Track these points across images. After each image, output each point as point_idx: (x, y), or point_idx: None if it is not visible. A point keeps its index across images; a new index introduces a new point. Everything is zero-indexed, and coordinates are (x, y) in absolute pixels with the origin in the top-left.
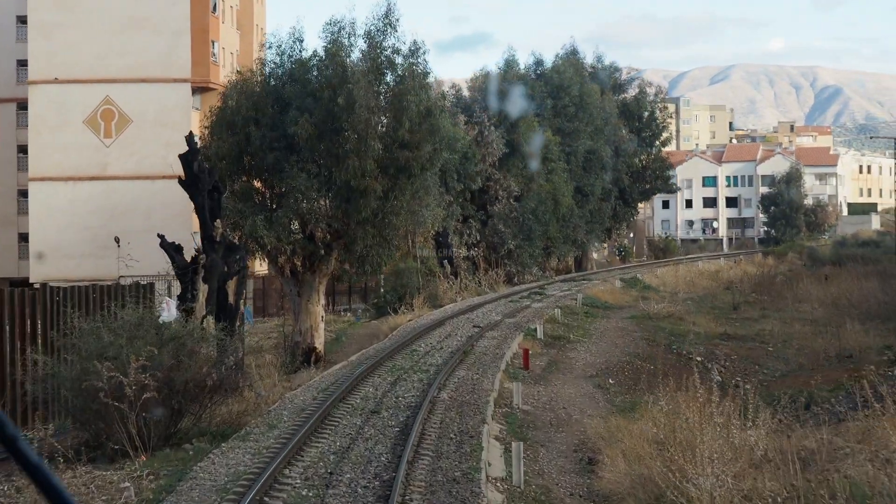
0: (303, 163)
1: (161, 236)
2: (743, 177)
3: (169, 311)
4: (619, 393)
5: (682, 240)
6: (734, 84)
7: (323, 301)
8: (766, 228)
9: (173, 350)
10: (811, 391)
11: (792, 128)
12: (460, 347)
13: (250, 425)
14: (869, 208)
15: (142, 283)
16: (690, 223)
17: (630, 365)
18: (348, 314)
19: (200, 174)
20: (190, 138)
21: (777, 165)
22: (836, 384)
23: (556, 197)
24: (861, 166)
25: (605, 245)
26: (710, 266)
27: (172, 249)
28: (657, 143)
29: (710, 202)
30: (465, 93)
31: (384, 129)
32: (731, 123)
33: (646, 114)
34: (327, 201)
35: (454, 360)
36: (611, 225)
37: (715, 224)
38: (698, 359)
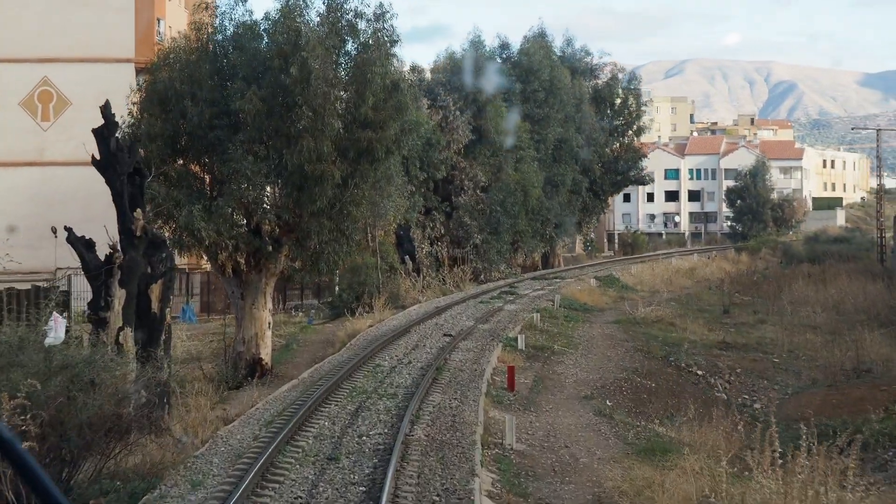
0: (248, 144)
1: (69, 229)
2: (706, 170)
3: (56, 332)
4: (629, 425)
5: (645, 234)
6: (688, 78)
7: (270, 305)
8: (731, 223)
9: (65, 383)
10: (858, 423)
11: (752, 121)
12: (431, 363)
13: (168, 482)
14: (834, 203)
15: (47, 285)
16: (652, 217)
17: (628, 382)
18: (300, 314)
19: (118, 153)
20: (106, 110)
21: (741, 159)
22: (887, 412)
23: (525, 188)
24: (825, 160)
25: (576, 239)
26: (683, 263)
27: (82, 246)
28: (630, 131)
29: (672, 196)
30: (428, 76)
31: (344, 105)
32: (692, 116)
33: (618, 101)
34: (276, 189)
35: (426, 379)
36: (580, 218)
37: (677, 218)
38: (699, 372)
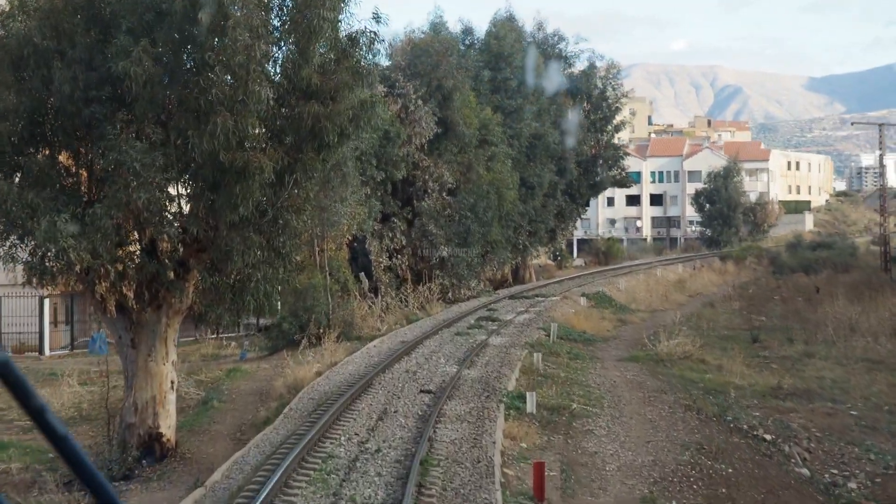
0: (138, 124)
1: None
2: (668, 172)
3: None
4: None
5: (619, 241)
6: (635, 83)
7: (174, 356)
8: (700, 228)
9: None
10: None
11: (709, 123)
12: (410, 450)
13: None
14: (802, 206)
15: None
16: (612, 222)
17: (696, 469)
18: (233, 344)
19: None
20: None
21: (705, 161)
22: None
23: (499, 190)
24: (789, 162)
25: (548, 250)
26: (667, 274)
27: None
28: (609, 127)
29: (634, 200)
30: (384, 61)
31: (279, 67)
32: (649, 117)
33: (596, 92)
34: (181, 189)
35: (408, 492)
36: (555, 225)
37: (638, 223)
38: (767, 437)
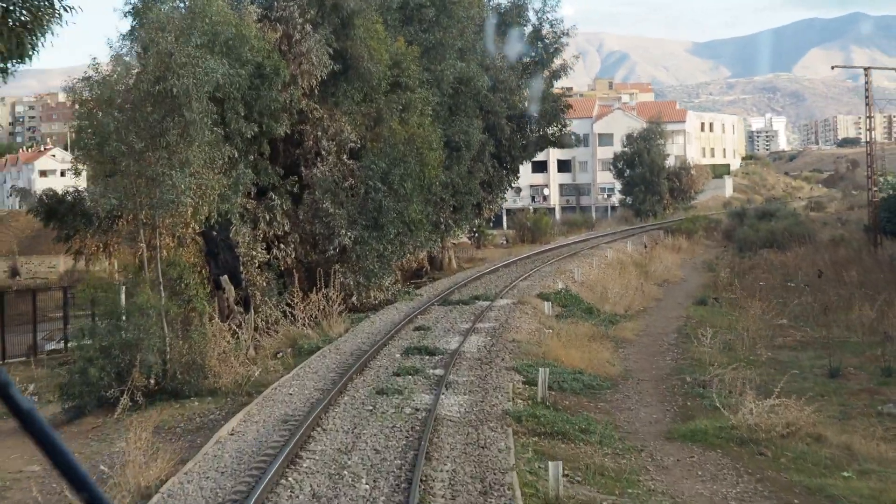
0: None
1: None
2: (577, 136)
3: None
4: None
5: (508, 210)
6: None
7: None
8: (620, 196)
9: None
10: None
11: (611, 85)
12: None
13: None
14: (721, 170)
15: None
16: (518, 191)
17: None
18: (31, 387)
19: None
20: None
21: (616, 123)
22: None
23: (419, 150)
24: (703, 123)
25: (471, 227)
26: (619, 255)
27: None
28: (546, 72)
29: (540, 166)
30: None
31: None
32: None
33: (528, 30)
34: None
35: None
36: (482, 197)
37: (546, 191)
38: None
